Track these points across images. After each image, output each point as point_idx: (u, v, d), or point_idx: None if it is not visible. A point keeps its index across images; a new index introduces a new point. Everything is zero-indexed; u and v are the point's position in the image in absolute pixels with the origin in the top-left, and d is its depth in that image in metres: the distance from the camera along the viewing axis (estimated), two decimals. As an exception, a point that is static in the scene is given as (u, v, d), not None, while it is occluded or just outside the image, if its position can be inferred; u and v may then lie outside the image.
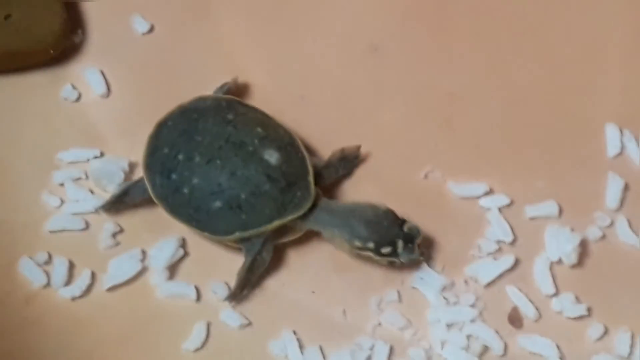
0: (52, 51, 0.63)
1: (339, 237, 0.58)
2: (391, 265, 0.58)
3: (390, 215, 0.57)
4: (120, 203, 0.60)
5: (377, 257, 0.57)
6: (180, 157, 0.58)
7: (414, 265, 0.59)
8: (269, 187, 0.57)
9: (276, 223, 0.57)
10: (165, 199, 0.58)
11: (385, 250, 0.57)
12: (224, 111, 0.59)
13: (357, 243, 0.57)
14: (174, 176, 0.57)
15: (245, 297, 0.59)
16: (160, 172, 0.58)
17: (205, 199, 0.57)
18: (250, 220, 0.57)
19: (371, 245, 0.57)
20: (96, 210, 0.60)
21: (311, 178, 0.58)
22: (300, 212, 0.57)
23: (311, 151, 0.60)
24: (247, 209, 0.57)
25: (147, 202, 0.60)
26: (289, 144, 0.58)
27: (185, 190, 0.57)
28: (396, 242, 0.57)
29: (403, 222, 0.57)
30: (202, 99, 0.60)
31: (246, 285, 0.58)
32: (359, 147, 0.62)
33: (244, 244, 0.58)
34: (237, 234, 0.57)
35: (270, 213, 0.57)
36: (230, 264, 0.59)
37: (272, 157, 0.57)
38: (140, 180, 0.59)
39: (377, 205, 0.58)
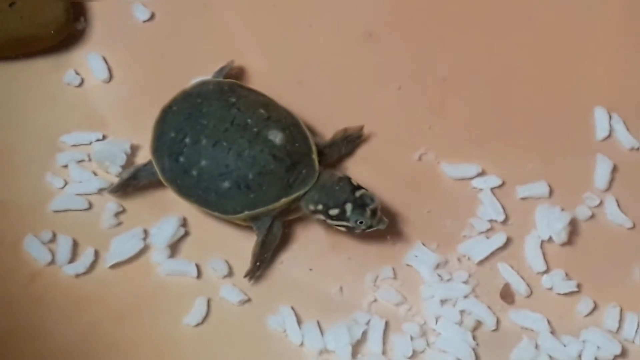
0: (51, 31, 0.64)
1: (301, 203, 0.59)
2: (350, 230, 0.58)
3: (344, 181, 0.58)
4: (127, 186, 0.61)
5: (330, 221, 0.58)
6: (187, 140, 0.59)
7: (372, 233, 0.59)
8: (275, 166, 0.58)
9: (283, 201, 0.58)
10: (175, 182, 0.59)
11: (333, 212, 0.58)
12: (227, 94, 0.60)
13: (311, 207, 0.58)
14: (181, 159, 0.59)
15: (260, 274, 0.60)
16: (168, 155, 0.59)
17: (213, 180, 0.58)
18: (259, 199, 0.58)
19: (320, 207, 0.58)
20: (100, 192, 0.62)
21: (315, 156, 0.59)
22: (306, 189, 0.58)
23: (313, 132, 0.61)
24: (255, 188, 0.58)
25: (151, 184, 0.61)
26: (291, 124, 0.59)
27: (194, 173, 0.58)
28: (345, 205, 0.58)
29: (357, 188, 0.58)
30: (204, 83, 0.61)
31: (262, 262, 0.60)
32: (361, 127, 0.63)
33: (254, 222, 0.59)
34: (246, 213, 0.58)
35: (278, 191, 0.58)
36: (230, 242, 0.61)
37: (276, 137, 0.58)
38: (148, 163, 0.60)
39: (334, 173, 0.59)
